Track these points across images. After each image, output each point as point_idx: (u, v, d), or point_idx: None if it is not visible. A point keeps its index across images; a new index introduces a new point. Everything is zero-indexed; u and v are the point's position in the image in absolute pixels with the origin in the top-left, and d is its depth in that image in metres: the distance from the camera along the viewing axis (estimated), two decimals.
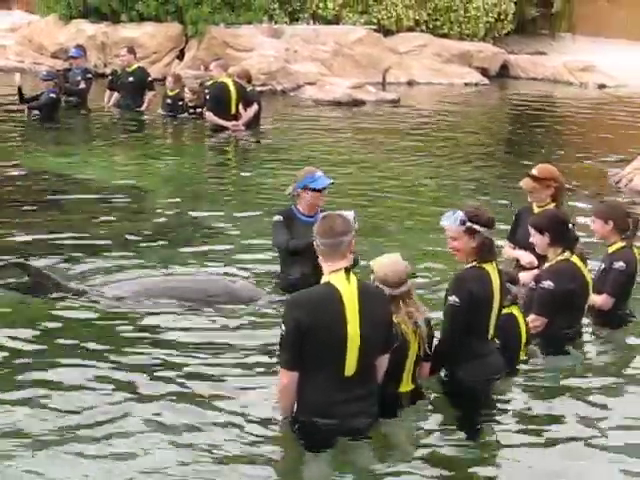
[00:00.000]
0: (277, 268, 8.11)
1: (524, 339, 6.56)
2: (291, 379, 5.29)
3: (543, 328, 6.80)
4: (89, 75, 16.46)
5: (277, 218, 7.85)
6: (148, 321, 7.31)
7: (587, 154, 14.55)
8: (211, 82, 15.16)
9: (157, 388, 6.13)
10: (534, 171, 7.77)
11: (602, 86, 22.40)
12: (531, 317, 6.76)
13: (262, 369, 6.46)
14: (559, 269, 6.86)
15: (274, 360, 6.20)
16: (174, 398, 6.00)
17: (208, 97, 14.94)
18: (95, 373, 6.31)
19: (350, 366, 5.28)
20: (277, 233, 7.81)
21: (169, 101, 15.93)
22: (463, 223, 6.02)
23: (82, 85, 16.20)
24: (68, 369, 6.37)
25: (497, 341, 6.26)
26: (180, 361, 6.56)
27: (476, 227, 6.00)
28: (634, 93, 21.40)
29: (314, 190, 7.70)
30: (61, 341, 6.85)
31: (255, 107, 15.01)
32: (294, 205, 7.85)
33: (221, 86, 14.71)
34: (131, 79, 16.29)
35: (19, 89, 15.50)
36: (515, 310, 6.55)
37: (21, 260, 8.10)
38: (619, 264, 7.28)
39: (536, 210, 7.74)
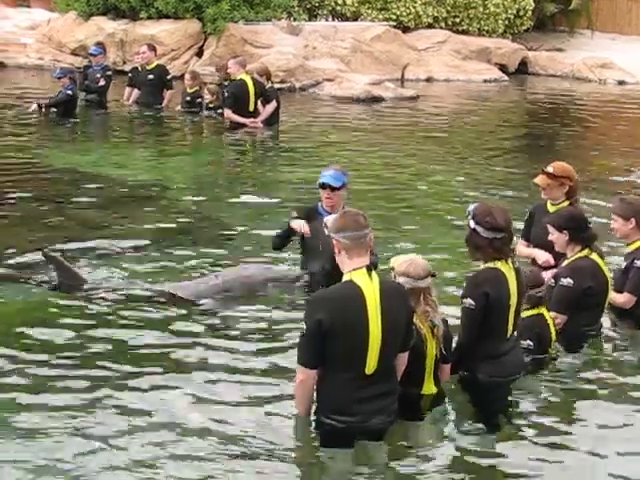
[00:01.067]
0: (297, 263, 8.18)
1: (553, 338, 6.56)
2: (308, 376, 5.30)
3: (562, 326, 6.78)
4: (109, 72, 16.48)
5: (292, 214, 7.95)
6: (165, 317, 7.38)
7: (607, 151, 14.50)
8: (230, 80, 15.19)
9: (180, 381, 6.17)
10: (550, 168, 7.74)
11: (621, 83, 22.32)
12: (550, 314, 6.74)
13: (282, 365, 6.47)
14: (579, 266, 6.83)
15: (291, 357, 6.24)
16: (192, 390, 6.04)
17: (226, 94, 14.96)
18: (120, 368, 6.37)
19: (371, 364, 5.27)
20: None
21: (188, 98, 15.97)
22: (468, 214, 6.03)
23: (102, 82, 16.22)
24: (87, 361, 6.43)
25: (530, 343, 6.26)
26: (211, 353, 6.63)
27: (471, 223, 5.97)
28: None
29: (319, 186, 7.80)
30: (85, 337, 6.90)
31: (274, 104, 15.01)
32: (321, 202, 7.92)
33: (240, 83, 14.71)
34: (150, 77, 16.33)
35: (39, 107, 15.50)
36: (544, 310, 6.54)
37: (53, 254, 8.06)
38: None
39: (550, 208, 7.71)
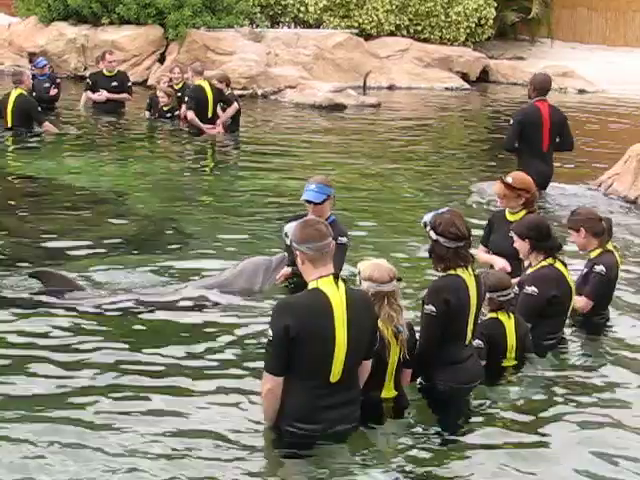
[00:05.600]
0: None
1: (510, 345, 6.53)
2: (275, 384, 5.27)
3: None
4: (58, 80, 16.52)
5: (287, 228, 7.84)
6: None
7: (567, 159, 14.57)
8: (182, 84, 15.28)
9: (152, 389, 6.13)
10: (509, 179, 7.80)
11: (582, 91, 22.49)
12: None
13: (247, 371, 6.42)
14: (543, 275, 6.84)
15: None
16: (158, 399, 6.00)
17: (187, 98, 14.92)
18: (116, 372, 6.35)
19: (336, 372, 5.26)
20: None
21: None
22: (425, 225, 6.03)
23: (53, 92, 16.16)
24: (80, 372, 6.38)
25: (480, 342, 6.25)
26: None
27: (431, 233, 5.98)
28: (612, 99, 21.49)
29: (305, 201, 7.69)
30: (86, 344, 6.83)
31: (235, 106, 14.97)
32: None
33: (198, 88, 14.71)
34: (114, 83, 16.42)
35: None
36: (501, 315, 6.53)
37: (41, 269, 7.92)
38: (599, 268, 7.29)
39: (509, 216, 7.77)
